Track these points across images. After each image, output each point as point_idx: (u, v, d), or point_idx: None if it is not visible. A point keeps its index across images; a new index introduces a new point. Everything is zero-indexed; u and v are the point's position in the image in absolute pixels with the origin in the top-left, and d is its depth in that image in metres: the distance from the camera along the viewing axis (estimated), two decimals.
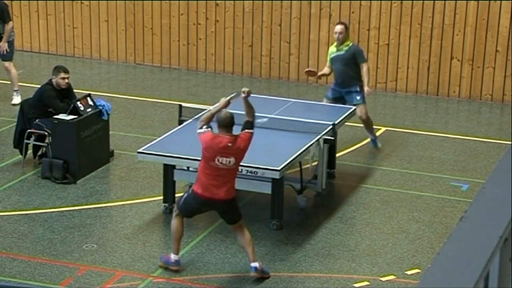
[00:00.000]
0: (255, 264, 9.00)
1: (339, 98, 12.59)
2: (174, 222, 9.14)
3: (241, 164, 9.60)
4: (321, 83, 16.06)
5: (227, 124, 8.84)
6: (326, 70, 12.89)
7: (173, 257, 9.16)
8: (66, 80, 11.78)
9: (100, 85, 15.92)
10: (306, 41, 16.07)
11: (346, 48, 12.49)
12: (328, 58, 12.81)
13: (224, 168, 8.80)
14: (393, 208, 10.96)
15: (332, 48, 12.71)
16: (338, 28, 12.54)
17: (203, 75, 16.59)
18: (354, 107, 12.12)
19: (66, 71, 11.83)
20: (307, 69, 13.39)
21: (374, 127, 12.95)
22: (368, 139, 13.08)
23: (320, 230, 10.29)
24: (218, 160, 8.77)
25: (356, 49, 12.64)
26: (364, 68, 12.53)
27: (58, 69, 11.81)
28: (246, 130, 8.97)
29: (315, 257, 9.59)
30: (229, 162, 8.79)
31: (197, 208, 9.08)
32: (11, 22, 14.33)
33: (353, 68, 12.45)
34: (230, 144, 8.78)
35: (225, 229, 10.02)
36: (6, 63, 14.35)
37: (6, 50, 14.22)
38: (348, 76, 12.44)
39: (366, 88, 12.47)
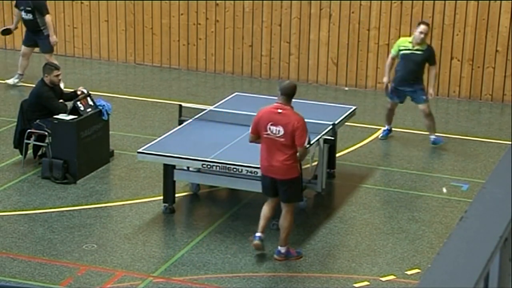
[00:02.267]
0: (280, 249, 9.36)
1: (403, 98, 12.74)
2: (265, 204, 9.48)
3: (241, 164, 9.62)
4: (321, 83, 16.05)
5: (283, 91, 9.10)
6: (389, 63, 12.75)
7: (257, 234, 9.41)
8: (60, 77, 11.86)
9: (100, 85, 15.91)
10: (306, 41, 16.06)
11: (424, 48, 12.50)
12: (396, 49, 12.63)
13: (273, 138, 8.97)
14: (393, 208, 10.95)
15: (406, 43, 12.59)
16: (424, 28, 12.44)
17: (203, 75, 16.59)
18: (354, 107, 12.08)
19: (58, 68, 11.88)
20: None
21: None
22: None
23: (320, 230, 10.29)
24: (269, 129, 8.98)
25: (431, 51, 12.68)
26: (434, 71, 12.70)
27: (50, 67, 11.80)
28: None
29: (315, 257, 9.58)
30: (278, 131, 8.96)
31: (266, 185, 9.31)
32: (48, 15, 14.89)
33: (422, 69, 12.59)
34: (280, 111, 9.00)
35: (225, 229, 10.03)
36: (47, 56, 14.83)
37: (49, 42, 14.83)
38: (416, 76, 12.55)
39: (431, 91, 12.53)
